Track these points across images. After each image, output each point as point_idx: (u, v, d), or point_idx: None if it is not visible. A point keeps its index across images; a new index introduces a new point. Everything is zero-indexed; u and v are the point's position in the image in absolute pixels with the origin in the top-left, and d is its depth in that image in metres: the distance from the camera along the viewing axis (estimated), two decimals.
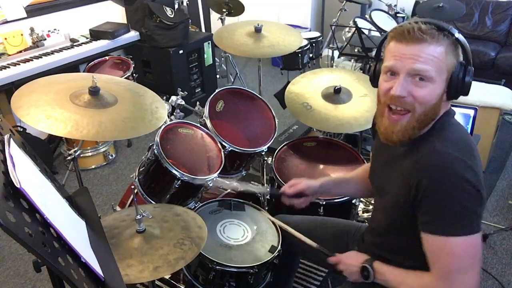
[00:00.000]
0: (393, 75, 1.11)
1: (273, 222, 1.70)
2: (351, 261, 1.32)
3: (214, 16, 4.80)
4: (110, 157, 3.29)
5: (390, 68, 1.11)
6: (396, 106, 1.12)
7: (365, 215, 2.38)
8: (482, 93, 2.95)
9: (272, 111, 2.18)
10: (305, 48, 3.50)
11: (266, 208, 2.03)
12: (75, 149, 1.99)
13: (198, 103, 2.26)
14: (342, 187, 1.58)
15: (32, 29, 3.14)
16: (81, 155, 3.00)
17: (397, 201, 1.18)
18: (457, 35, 1.09)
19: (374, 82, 1.24)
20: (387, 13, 3.91)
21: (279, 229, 1.67)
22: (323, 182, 1.53)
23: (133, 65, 3.14)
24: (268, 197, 2.04)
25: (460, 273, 1.07)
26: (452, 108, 1.20)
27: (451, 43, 1.09)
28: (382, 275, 1.24)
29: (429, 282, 1.12)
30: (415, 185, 1.09)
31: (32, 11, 3.14)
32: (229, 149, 1.91)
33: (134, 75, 3.15)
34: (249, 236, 1.67)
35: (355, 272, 1.29)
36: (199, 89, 4.09)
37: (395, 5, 4.27)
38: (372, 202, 2.37)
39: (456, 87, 1.10)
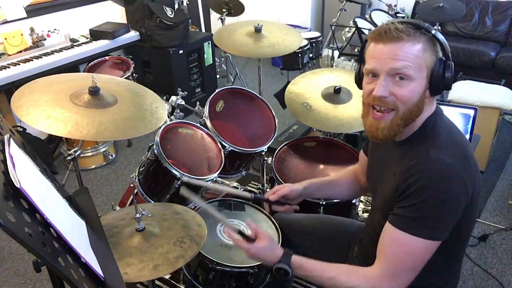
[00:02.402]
0: (375, 77, 1.13)
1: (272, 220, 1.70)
2: (265, 256, 1.27)
3: (214, 16, 4.80)
4: (110, 157, 3.29)
5: (371, 70, 1.13)
6: (380, 107, 1.14)
7: (365, 215, 2.38)
8: (482, 93, 2.95)
9: (272, 111, 2.18)
10: (305, 48, 3.50)
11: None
12: (75, 149, 1.99)
13: (198, 103, 2.26)
14: (325, 190, 1.56)
15: (32, 29, 3.14)
16: (81, 155, 3.00)
17: (388, 202, 1.20)
18: (434, 32, 1.11)
19: (360, 84, 1.26)
20: (387, 13, 3.92)
21: (279, 229, 1.67)
22: (306, 185, 1.50)
23: (133, 65, 3.14)
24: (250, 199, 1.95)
25: (409, 271, 1.12)
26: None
27: (429, 40, 1.10)
28: (304, 271, 1.24)
29: (374, 273, 1.15)
30: (406, 184, 1.10)
31: (32, 11, 3.15)
32: (229, 149, 1.91)
33: (134, 75, 3.15)
34: None
35: (269, 264, 1.27)
36: (199, 89, 4.09)
37: (395, 5, 4.27)
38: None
39: (438, 83, 1.11)
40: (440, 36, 1.12)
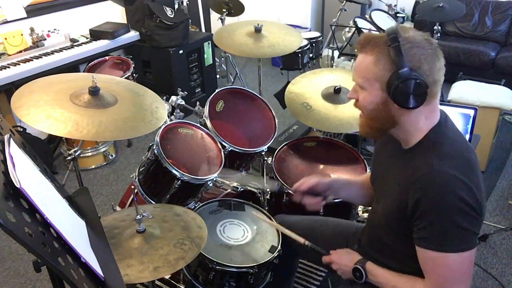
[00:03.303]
0: None
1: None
2: (343, 261, 1.35)
3: (214, 16, 4.80)
4: (110, 157, 3.29)
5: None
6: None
7: (365, 215, 2.37)
8: (482, 93, 2.95)
9: (272, 111, 2.18)
10: (305, 48, 3.50)
11: (266, 208, 2.03)
12: (75, 149, 1.99)
13: (198, 103, 2.26)
14: (351, 188, 1.53)
15: (32, 29, 3.14)
16: (81, 155, 3.00)
17: (391, 208, 1.20)
18: (399, 43, 1.05)
19: None
20: (387, 13, 3.92)
21: (279, 230, 1.67)
22: (334, 180, 1.51)
23: (133, 65, 3.14)
24: (274, 191, 1.94)
25: (453, 285, 1.12)
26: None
27: (387, 52, 1.07)
28: (375, 277, 1.28)
29: None
30: (414, 201, 1.11)
31: (32, 11, 3.14)
32: (229, 149, 1.91)
33: (134, 75, 3.15)
34: (249, 236, 1.68)
35: (348, 272, 1.33)
36: (199, 89, 4.09)
37: (395, 5, 4.27)
38: None
39: (397, 96, 1.08)
40: (405, 47, 1.05)
